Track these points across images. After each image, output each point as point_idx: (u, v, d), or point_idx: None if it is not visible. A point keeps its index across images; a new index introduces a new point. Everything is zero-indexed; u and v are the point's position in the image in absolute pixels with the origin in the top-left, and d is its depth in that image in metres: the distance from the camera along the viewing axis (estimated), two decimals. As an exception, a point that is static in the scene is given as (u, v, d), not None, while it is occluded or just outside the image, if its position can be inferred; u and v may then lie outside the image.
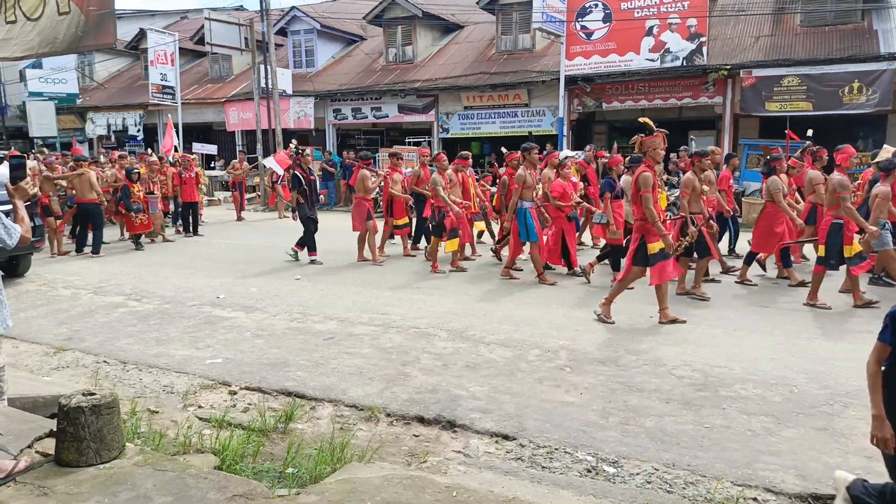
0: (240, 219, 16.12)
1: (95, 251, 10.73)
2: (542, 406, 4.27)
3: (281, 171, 17.95)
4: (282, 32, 22.37)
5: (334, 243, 11.22)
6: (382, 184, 10.27)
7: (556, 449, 3.70)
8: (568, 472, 3.47)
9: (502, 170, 9.85)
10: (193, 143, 19.43)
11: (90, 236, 10.97)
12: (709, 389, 4.51)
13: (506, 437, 3.85)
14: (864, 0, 15.05)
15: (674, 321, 6.16)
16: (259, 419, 4.03)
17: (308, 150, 11.50)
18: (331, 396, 4.49)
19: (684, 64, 15.33)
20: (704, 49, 15.17)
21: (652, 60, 15.60)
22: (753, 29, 16.43)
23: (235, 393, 4.63)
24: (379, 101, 19.85)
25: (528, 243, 8.20)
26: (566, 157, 9.06)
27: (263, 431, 3.90)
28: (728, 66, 14.99)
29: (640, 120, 6.26)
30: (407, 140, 19.91)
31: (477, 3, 19.41)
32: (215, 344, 5.74)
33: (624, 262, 6.87)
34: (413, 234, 10.93)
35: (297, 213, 9.93)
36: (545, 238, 8.49)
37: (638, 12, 15.57)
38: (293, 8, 22.40)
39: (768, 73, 14.57)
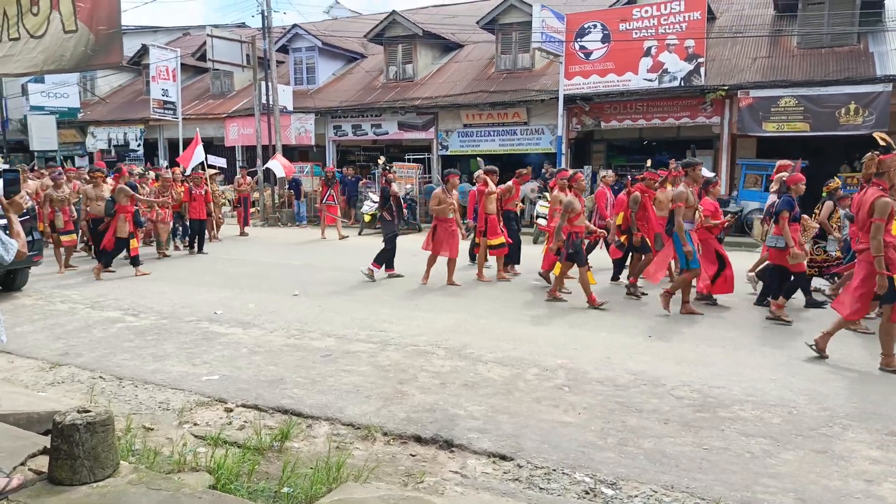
0: (243, 234, 16.12)
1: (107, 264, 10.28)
2: (540, 426, 4.24)
3: (283, 174, 17.95)
4: (283, 49, 22.56)
5: (336, 260, 11.23)
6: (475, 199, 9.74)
7: (554, 470, 3.66)
8: (566, 493, 3.43)
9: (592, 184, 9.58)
10: (209, 156, 19.00)
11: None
12: (708, 410, 4.49)
13: (503, 458, 3.82)
14: (860, 23, 15.23)
15: None
16: (255, 437, 3.99)
17: (394, 166, 11.43)
18: (327, 414, 4.46)
19: (682, 84, 15.46)
20: (702, 70, 15.31)
21: (650, 80, 15.74)
22: (751, 50, 16.60)
23: (231, 410, 4.59)
24: (379, 119, 19.96)
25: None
26: (714, 177, 8.37)
27: (259, 450, 3.86)
28: (726, 87, 15.12)
29: (876, 135, 5.64)
30: (406, 157, 19.99)
31: (477, 22, 19.61)
32: (212, 360, 5.71)
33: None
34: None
35: (382, 230, 9.77)
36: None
37: (636, 33, 15.73)
38: (295, 25, 22.62)
39: (765, 94, 14.70)
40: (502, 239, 9.44)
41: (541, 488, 3.48)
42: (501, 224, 9.60)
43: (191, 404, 4.69)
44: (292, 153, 21.61)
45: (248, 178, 17.15)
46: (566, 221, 7.79)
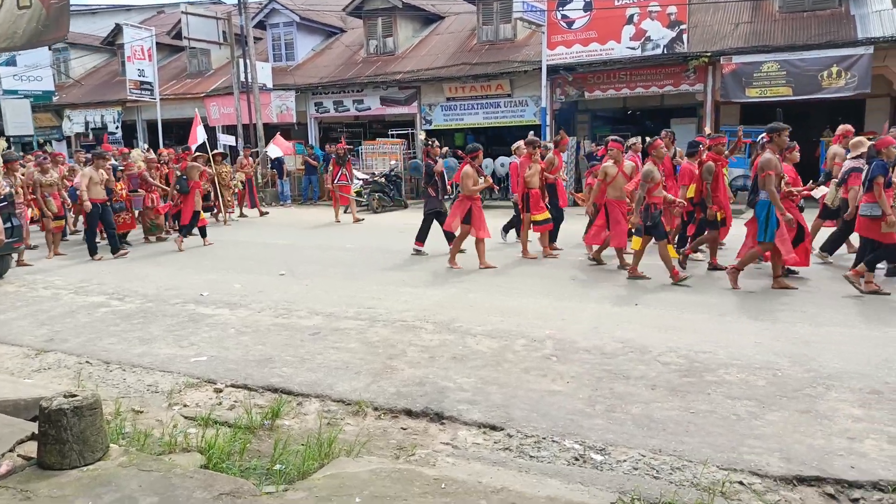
0: (263, 213, 15.68)
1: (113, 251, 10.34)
2: (529, 396, 4.28)
3: (281, 154, 17.49)
4: (260, 25, 22.11)
5: (322, 238, 11.16)
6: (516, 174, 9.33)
7: (544, 438, 3.71)
8: (556, 460, 3.48)
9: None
10: (219, 136, 17.76)
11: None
12: (694, 375, 4.55)
13: (493, 428, 3.86)
14: (841, -15, 15.17)
15: None
16: (245, 416, 4.00)
17: (437, 142, 10.65)
18: (317, 392, 4.47)
19: (665, 52, 15.37)
20: (685, 37, 15.21)
21: (633, 49, 15.61)
22: (733, 16, 16.50)
23: (221, 391, 4.59)
24: (361, 94, 19.71)
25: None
26: (792, 143, 7.64)
27: (250, 429, 3.87)
28: (708, 54, 15.05)
29: None
30: (390, 132, 19.81)
31: (457, -7, 19.32)
32: (199, 342, 5.69)
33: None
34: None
35: (425, 205, 9.65)
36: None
37: (618, 1, 15.57)
38: (271, 0, 22.15)
39: (748, 60, 14.65)
40: (547, 214, 9.07)
41: (531, 456, 3.53)
42: (546, 199, 9.20)
43: (180, 386, 4.68)
44: (273, 132, 21.32)
45: (250, 159, 16.24)
46: (645, 192, 7.28)
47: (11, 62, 22.86)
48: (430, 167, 9.65)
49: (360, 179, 16.62)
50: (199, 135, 14.98)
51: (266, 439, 3.77)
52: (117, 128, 23.64)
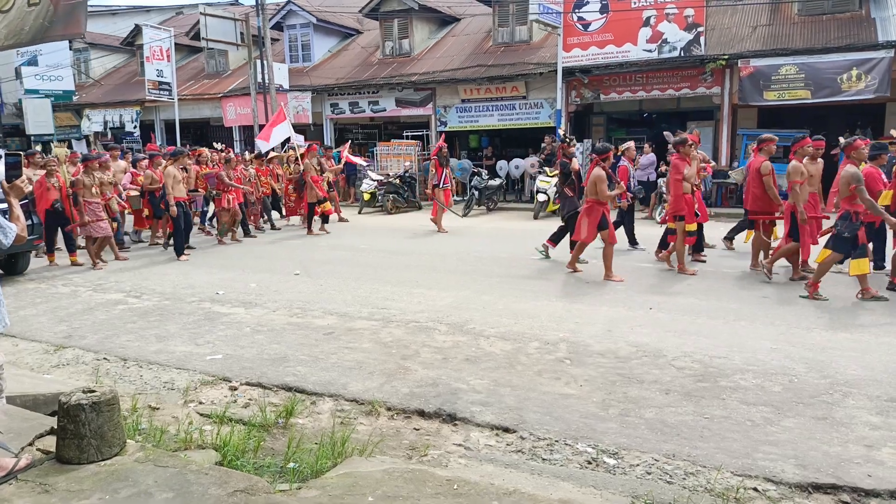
0: (342, 220, 14.50)
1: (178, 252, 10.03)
2: (543, 398, 4.27)
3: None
4: (277, 27, 22.27)
5: (334, 239, 11.18)
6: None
7: (557, 441, 3.70)
8: (568, 463, 3.47)
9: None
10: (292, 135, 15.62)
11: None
12: (709, 380, 4.52)
13: (506, 430, 3.86)
14: (861, -12, 15.01)
15: None
16: (260, 414, 4.03)
17: (573, 139, 9.61)
18: (331, 391, 4.50)
19: (682, 54, 15.28)
20: (702, 39, 15.11)
21: (649, 51, 15.54)
22: (751, 18, 16.37)
23: (236, 389, 4.63)
24: (376, 95, 19.78)
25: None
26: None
27: (264, 427, 3.90)
28: (726, 56, 14.94)
29: None
30: (405, 134, 19.85)
31: (473, -5, 19.33)
32: (215, 340, 5.74)
33: None
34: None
35: (562, 208, 8.96)
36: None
37: (635, 3, 15.50)
38: (289, 2, 22.28)
39: (766, 63, 14.52)
40: (695, 225, 8.06)
41: (543, 459, 3.52)
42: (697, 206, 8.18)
43: (195, 383, 4.72)
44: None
45: (332, 160, 15.03)
46: (866, 196, 6.41)
47: (33, 62, 23.18)
48: (565, 166, 8.91)
49: (374, 181, 16.66)
50: (282, 131, 14.12)
51: (280, 437, 3.80)
52: (135, 127, 23.91)
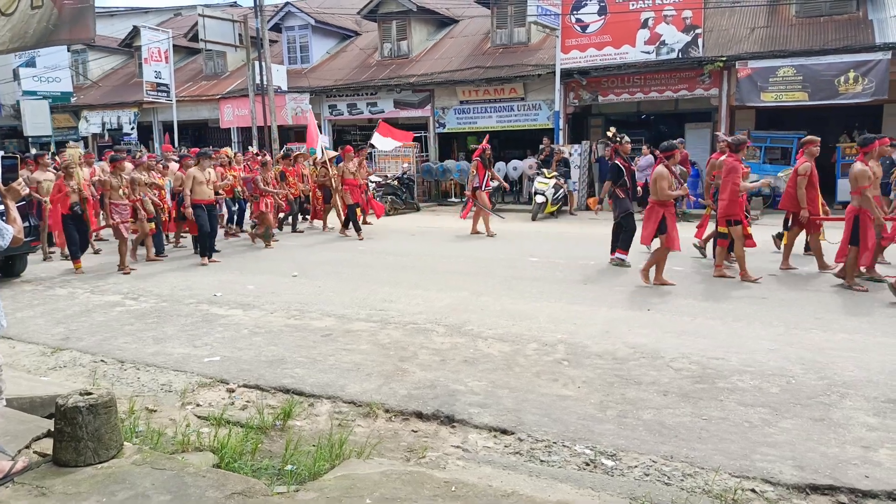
0: (366, 222, 13.78)
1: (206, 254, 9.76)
2: (541, 400, 4.27)
3: (391, 146, 14.99)
4: (276, 28, 22.28)
5: (336, 241, 11.16)
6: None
7: (555, 443, 3.70)
8: (566, 465, 3.47)
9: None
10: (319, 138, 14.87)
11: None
12: (706, 381, 4.52)
13: (504, 432, 3.86)
14: (859, -10, 15.04)
15: None
16: (257, 417, 4.03)
17: (626, 137, 9.00)
18: (329, 393, 4.49)
19: (680, 56, 15.30)
20: (700, 41, 15.14)
21: (647, 53, 15.56)
22: (748, 20, 16.40)
23: (233, 391, 4.62)
24: (374, 97, 19.79)
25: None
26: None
27: (262, 429, 3.89)
28: (724, 58, 14.96)
29: None
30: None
31: (471, -4, 19.35)
32: (213, 342, 5.74)
33: None
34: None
35: (615, 209, 8.69)
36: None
37: (633, 4, 15.52)
38: (287, 3, 22.30)
39: (764, 65, 14.54)
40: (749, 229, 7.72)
41: (541, 461, 3.52)
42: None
43: (193, 385, 4.72)
44: (288, 134, 21.46)
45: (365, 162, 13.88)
46: None
47: (31, 63, 23.16)
48: (616, 166, 8.67)
49: (373, 182, 16.65)
50: (319, 134, 13.99)
51: (278, 440, 3.79)
52: (133, 129, 23.91)
